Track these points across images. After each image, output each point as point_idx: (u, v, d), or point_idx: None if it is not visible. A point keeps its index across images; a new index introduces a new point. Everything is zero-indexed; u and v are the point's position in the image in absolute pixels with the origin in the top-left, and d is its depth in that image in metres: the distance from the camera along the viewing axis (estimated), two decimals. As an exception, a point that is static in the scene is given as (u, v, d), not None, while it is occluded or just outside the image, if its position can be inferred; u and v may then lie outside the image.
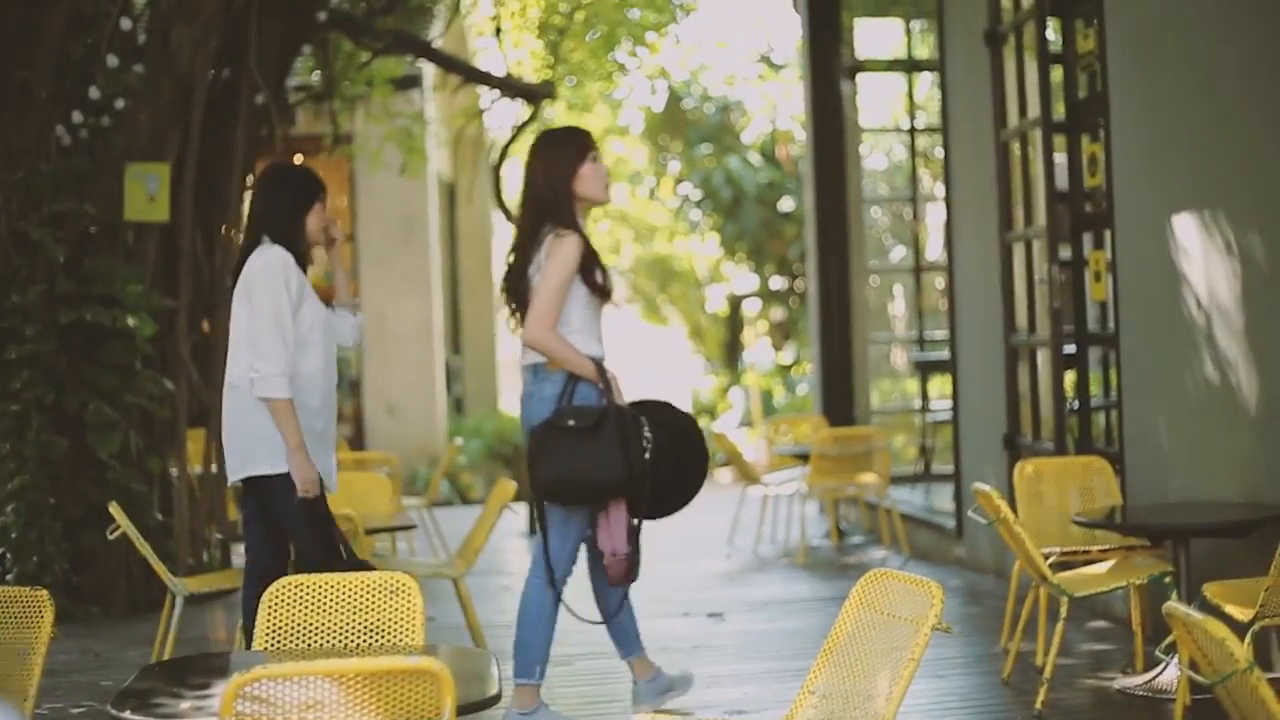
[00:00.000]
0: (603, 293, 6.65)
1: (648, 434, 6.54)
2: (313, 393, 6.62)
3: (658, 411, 6.69)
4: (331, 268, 7.10)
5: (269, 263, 6.48)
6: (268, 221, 6.62)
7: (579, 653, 8.47)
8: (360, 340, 7.15)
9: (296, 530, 6.50)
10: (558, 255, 6.49)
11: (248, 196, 11.57)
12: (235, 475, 6.60)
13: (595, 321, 6.71)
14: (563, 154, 6.68)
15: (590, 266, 6.59)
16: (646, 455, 6.49)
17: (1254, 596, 6.13)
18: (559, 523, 6.67)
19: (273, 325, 6.39)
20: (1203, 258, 7.67)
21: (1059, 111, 9.38)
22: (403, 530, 8.78)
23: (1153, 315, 8.23)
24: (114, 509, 7.78)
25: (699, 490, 6.77)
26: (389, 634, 4.70)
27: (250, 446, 6.48)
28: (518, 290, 6.65)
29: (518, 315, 6.68)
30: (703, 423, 25.03)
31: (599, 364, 6.61)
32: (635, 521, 6.65)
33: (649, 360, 32.94)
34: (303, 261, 6.66)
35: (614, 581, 6.72)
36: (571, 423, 6.44)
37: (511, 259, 6.73)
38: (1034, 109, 9.45)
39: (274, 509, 6.52)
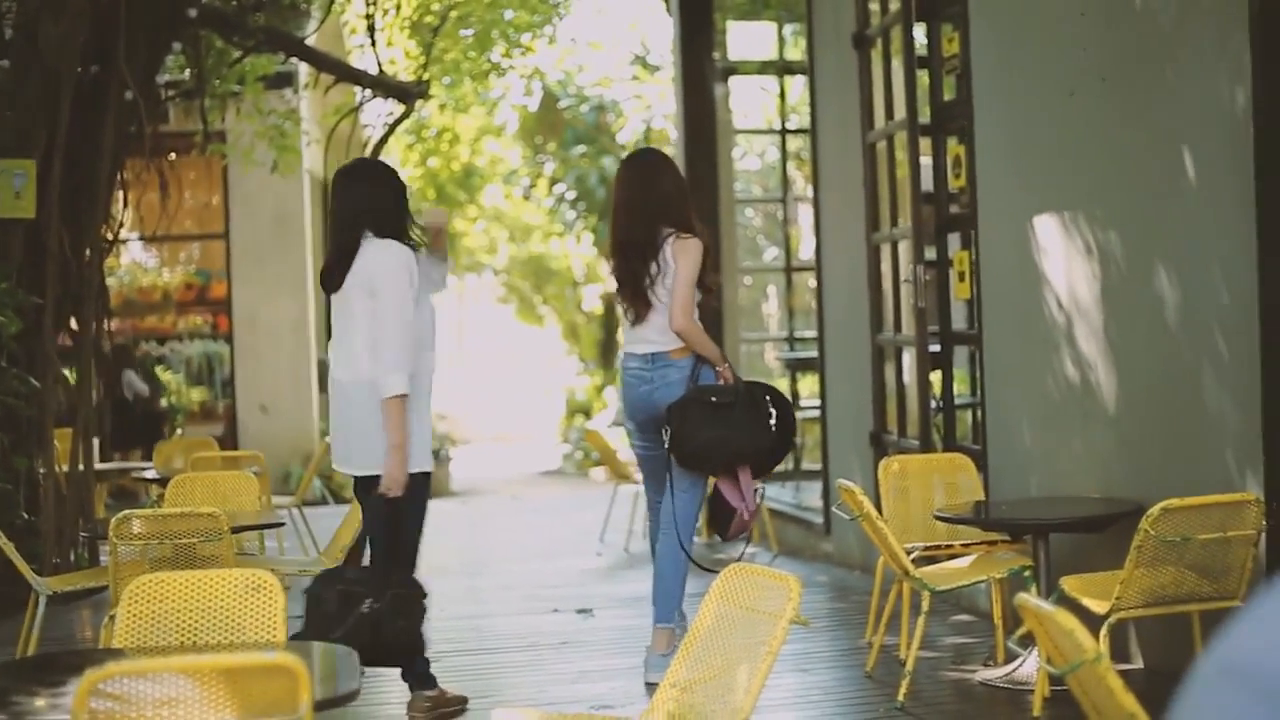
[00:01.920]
0: (707, 289, 7.66)
1: (771, 408, 7.61)
2: (422, 379, 6.87)
3: (766, 389, 7.78)
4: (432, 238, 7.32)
5: (395, 260, 6.71)
6: (375, 217, 6.83)
7: (448, 650, 8.49)
8: (447, 284, 7.50)
9: (376, 524, 6.78)
10: (689, 255, 7.50)
11: (117, 194, 11.56)
12: (358, 471, 6.86)
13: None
14: (673, 167, 7.84)
15: (705, 266, 7.60)
16: (772, 426, 7.59)
17: (1110, 589, 6.25)
18: (689, 488, 7.65)
19: (399, 324, 6.63)
20: (1063, 258, 7.80)
21: (925, 114, 9.51)
22: (271, 528, 8.74)
23: (1015, 315, 8.37)
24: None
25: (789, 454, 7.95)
26: (250, 631, 4.70)
27: (374, 445, 6.69)
28: (639, 286, 7.58)
29: (639, 309, 7.59)
30: (577, 422, 25.10)
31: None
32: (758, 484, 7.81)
33: (523, 359, 32.95)
34: None
35: (735, 534, 7.82)
36: (714, 399, 7.46)
37: (623, 260, 7.66)
38: (900, 111, 9.56)
39: (395, 504, 6.71)
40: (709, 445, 7.45)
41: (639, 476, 12.90)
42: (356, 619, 6.29)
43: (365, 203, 6.87)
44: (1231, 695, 1.00)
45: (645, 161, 7.93)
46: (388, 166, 7.34)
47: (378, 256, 6.73)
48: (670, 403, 7.49)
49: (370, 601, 6.35)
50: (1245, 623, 1.05)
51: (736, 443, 7.48)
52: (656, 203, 7.62)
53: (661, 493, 7.77)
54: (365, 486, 6.87)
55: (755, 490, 7.71)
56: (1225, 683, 1.01)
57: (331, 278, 6.87)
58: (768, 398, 7.68)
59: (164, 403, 17.69)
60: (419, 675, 6.99)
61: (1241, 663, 1.01)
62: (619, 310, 7.90)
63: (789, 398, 8.13)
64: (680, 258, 7.50)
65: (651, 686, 7.15)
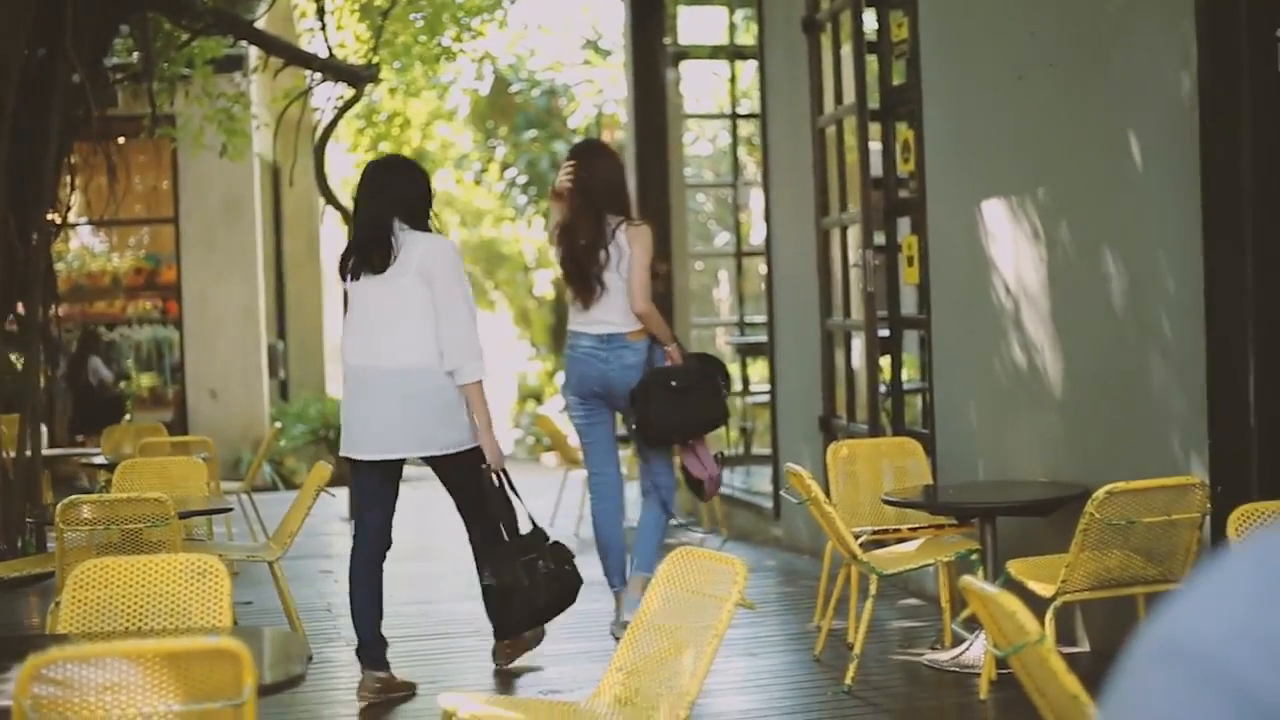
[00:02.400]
0: (654, 275, 8.12)
1: (720, 379, 8.24)
2: None
3: (707, 361, 8.38)
4: None
5: (449, 251, 7.12)
6: (412, 208, 7.13)
7: (397, 635, 8.48)
8: None
9: (478, 499, 7.21)
10: (642, 241, 8.01)
11: (64, 178, 11.48)
12: (418, 453, 7.11)
13: None
14: (617, 159, 8.32)
15: (654, 253, 8.14)
16: (725, 397, 8.25)
17: (1056, 573, 6.28)
18: (664, 460, 8.31)
19: (467, 313, 7.01)
20: (1011, 243, 7.84)
21: (875, 99, 9.52)
22: (219, 514, 8.72)
23: (963, 300, 8.40)
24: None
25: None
26: (196, 616, 4.68)
27: (435, 428, 7.02)
28: (592, 270, 7.98)
29: (592, 292, 8.00)
30: (528, 407, 25.06)
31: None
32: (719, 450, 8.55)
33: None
34: None
35: (709, 496, 8.57)
36: (674, 383, 7.98)
37: (569, 246, 8.07)
38: (850, 96, 9.57)
39: (460, 481, 7.23)
40: (673, 426, 8.05)
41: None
42: (544, 580, 7.19)
43: (398, 193, 7.11)
44: (1172, 678, 0.97)
45: (589, 150, 8.33)
46: (417, 163, 7.64)
47: (431, 248, 7.02)
48: (629, 386, 7.99)
49: (543, 561, 7.22)
50: (1186, 600, 1.02)
51: (696, 420, 8.09)
52: (601, 191, 8.02)
53: (605, 463, 8.35)
54: (440, 466, 7.22)
55: (715, 455, 8.35)
56: (1165, 664, 0.98)
57: (366, 265, 7.07)
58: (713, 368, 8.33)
59: (123, 389, 17.66)
60: (374, 656, 7.11)
61: (1184, 643, 0.98)
62: (569, 295, 8.24)
63: (742, 382, 8.82)
64: (635, 244, 7.96)
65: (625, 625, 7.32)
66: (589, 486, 8.54)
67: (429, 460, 7.20)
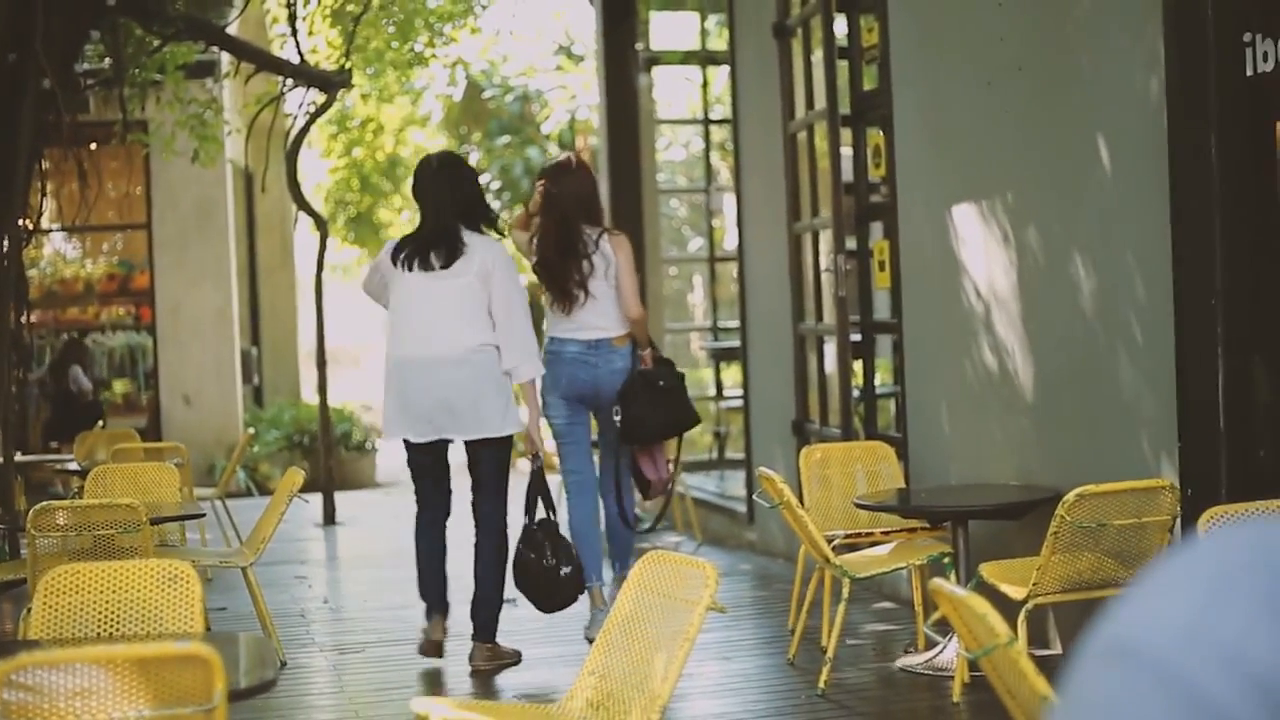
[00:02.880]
0: None
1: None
2: None
3: (669, 365, 8.72)
4: None
5: (505, 255, 7.68)
6: (475, 209, 7.72)
7: (372, 640, 8.48)
8: None
9: (498, 480, 7.76)
10: (625, 249, 8.45)
11: (35, 184, 11.45)
12: (465, 436, 7.62)
13: None
14: (586, 173, 8.61)
15: None
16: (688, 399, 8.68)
17: (1028, 576, 6.30)
18: (629, 460, 8.66)
19: (524, 315, 7.61)
20: (982, 247, 7.86)
21: (845, 104, 9.54)
22: (192, 520, 8.70)
23: (934, 303, 8.42)
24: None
25: None
26: (168, 622, 4.68)
27: (485, 413, 7.53)
28: (569, 278, 8.32)
29: (572, 299, 8.33)
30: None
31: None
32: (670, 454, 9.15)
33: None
34: None
35: (653, 497, 8.93)
36: (662, 383, 8.44)
37: (541, 255, 8.39)
38: (821, 101, 9.59)
39: (490, 462, 7.72)
40: (661, 425, 8.50)
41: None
42: (559, 566, 7.83)
43: (463, 193, 7.69)
44: (1124, 679, 0.96)
45: (557, 168, 8.59)
46: (467, 162, 8.21)
47: (492, 251, 7.59)
48: (615, 389, 8.40)
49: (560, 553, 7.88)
50: (1137, 600, 1.01)
51: (680, 419, 8.59)
52: (570, 203, 8.37)
53: (584, 463, 8.65)
54: (474, 448, 7.71)
55: (668, 461, 8.91)
56: (1116, 665, 0.97)
57: (423, 260, 7.56)
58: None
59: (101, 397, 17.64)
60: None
61: (1134, 645, 0.97)
62: (544, 301, 8.58)
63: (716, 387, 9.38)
64: (619, 252, 8.38)
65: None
66: (566, 486, 8.73)
67: (467, 442, 7.68)
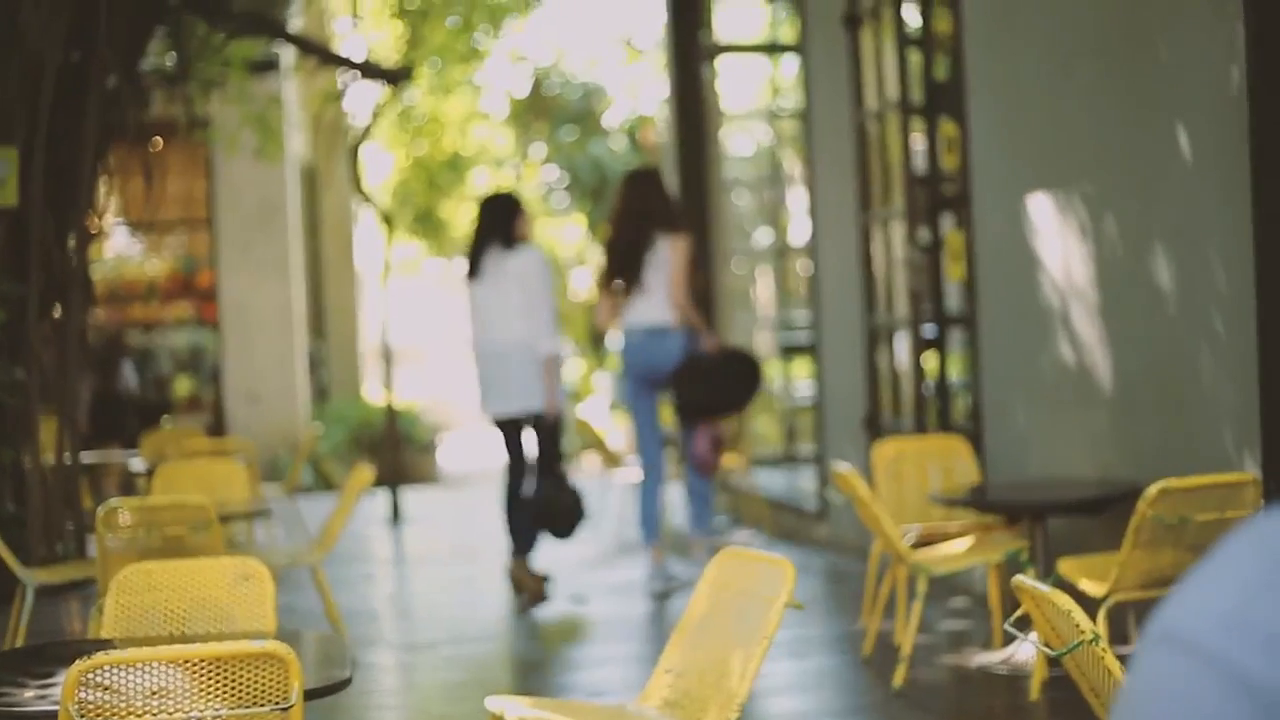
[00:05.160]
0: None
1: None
2: None
3: (739, 354, 10.42)
4: None
5: (543, 262, 9.59)
6: (507, 230, 9.57)
7: (442, 638, 8.43)
8: None
9: (552, 444, 9.62)
10: (681, 249, 9.67)
11: (100, 180, 11.45)
12: (518, 411, 9.50)
13: None
14: (655, 181, 9.98)
15: (693, 262, 10.05)
16: (755, 387, 10.22)
17: (1108, 572, 6.20)
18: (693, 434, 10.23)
19: (548, 308, 9.44)
20: (1058, 238, 7.74)
21: (917, 94, 9.43)
22: (259, 517, 8.67)
23: (1009, 296, 8.30)
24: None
25: None
26: (241, 621, 4.63)
27: (532, 392, 9.42)
28: (634, 275, 9.67)
29: (631, 287, 9.70)
30: (568, 407, 24.93)
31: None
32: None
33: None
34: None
35: (701, 469, 10.19)
36: (707, 368, 9.79)
37: (615, 252, 9.82)
38: (892, 91, 9.49)
39: (540, 427, 9.52)
40: (708, 404, 10.01)
41: (630, 460, 12.91)
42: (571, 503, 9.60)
43: (499, 219, 9.64)
44: (1171, 665, 1.00)
45: (636, 178, 10.08)
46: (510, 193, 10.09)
47: (533, 258, 9.57)
48: (670, 367, 9.73)
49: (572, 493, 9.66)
50: (1185, 589, 1.04)
51: (724, 401, 10.12)
52: (643, 211, 9.72)
53: (646, 438, 10.07)
54: (520, 422, 9.57)
55: (715, 439, 10.23)
56: (1165, 652, 1.01)
57: (477, 271, 9.63)
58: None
59: (153, 396, 17.64)
60: (530, 542, 9.56)
61: (1180, 631, 1.01)
62: (611, 294, 9.92)
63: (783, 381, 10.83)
64: (674, 250, 9.62)
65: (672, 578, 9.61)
66: (638, 451, 10.17)
67: (529, 414, 9.48)
